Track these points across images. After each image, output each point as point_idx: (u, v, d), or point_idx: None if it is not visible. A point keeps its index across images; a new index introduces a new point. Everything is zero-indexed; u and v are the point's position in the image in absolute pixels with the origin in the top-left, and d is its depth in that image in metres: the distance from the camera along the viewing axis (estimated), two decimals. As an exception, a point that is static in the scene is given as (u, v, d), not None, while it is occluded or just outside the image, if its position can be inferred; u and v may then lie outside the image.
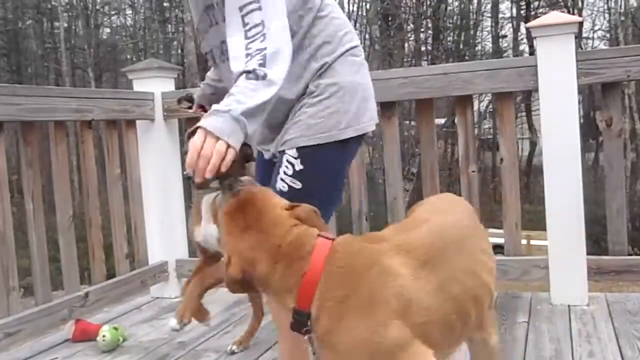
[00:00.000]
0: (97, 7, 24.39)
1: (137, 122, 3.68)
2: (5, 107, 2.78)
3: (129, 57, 24.30)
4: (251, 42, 1.51)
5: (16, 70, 23.91)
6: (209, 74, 2.18)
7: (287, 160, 1.71)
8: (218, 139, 1.35)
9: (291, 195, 1.64)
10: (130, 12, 25.60)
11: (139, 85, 3.75)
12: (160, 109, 3.69)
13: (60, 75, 22.03)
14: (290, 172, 1.71)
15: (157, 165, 3.72)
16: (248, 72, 1.44)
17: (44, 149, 4.16)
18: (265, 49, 1.48)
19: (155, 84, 3.71)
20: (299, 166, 1.72)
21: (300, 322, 1.29)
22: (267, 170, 1.82)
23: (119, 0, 24.44)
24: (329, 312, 1.26)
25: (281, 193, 1.65)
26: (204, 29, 1.81)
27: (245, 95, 1.41)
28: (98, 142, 4.08)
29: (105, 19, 25.87)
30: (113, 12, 25.57)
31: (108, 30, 26.53)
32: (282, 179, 1.71)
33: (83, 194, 3.37)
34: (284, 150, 1.72)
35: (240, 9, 1.55)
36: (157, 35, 23.11)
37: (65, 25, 22.92)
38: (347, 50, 1.77)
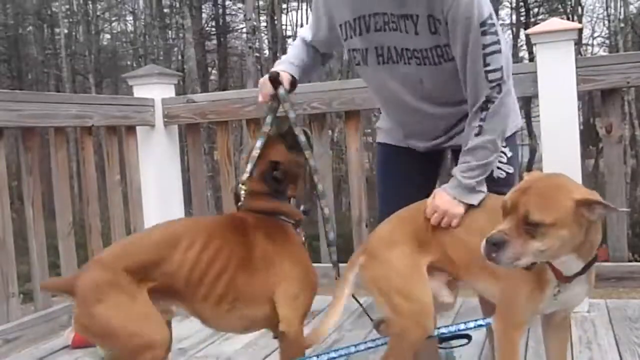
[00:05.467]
0: (98, 14, 24.43)
1: (137, 128, 3.69)
2: (6, 113, 2.78)
3: (129, 63, 24.33)
4: (492, 88, 1.78)
5: (16, 76, 23.94)
6: (295, 53, 2.11)
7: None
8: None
9: (506, 179, 1.97)
10: (131, 18, 25.67)
11: (139, 92, 3.76)
12: (161, 115, 3.69)
13: (61, 81, 22.04)
14: (504, 159, 2.00)
15: (157, 171, 3.72)
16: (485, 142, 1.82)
17: (44, 155, 4.18)
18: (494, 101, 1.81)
19: (155, 90, 3.71)
20: (509, 153, 2.01)
21: None
22: (418, 163, 2.11)
23: (120, 7, 24.50)
24: None
25: (498, 180, 1.95)
26: (369, 26, 1.87)
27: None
28: (98, 148, 4.09)
29: (105, 25, 25.91)
30: (113, 19, 25.63)
31: (108, 36, 26.58)
32: (499, 168, 1.97)
33: (83, 200, 3.38)
34: None
35: (484, 47, 1.75)
36: (158, 42, 23.13)
37: (66, 31, 22.93)
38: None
